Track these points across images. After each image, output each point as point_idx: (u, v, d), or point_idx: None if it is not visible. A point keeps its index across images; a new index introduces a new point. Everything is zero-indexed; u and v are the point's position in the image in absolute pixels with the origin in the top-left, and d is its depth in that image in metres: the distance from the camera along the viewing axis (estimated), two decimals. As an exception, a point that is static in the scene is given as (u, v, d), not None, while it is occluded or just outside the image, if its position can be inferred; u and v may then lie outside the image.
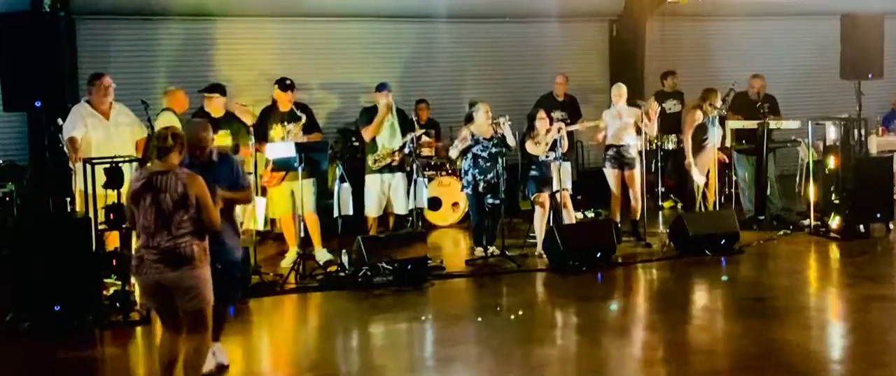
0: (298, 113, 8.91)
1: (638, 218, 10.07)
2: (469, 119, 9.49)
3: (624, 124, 9.97)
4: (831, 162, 10.19)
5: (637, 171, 9.97)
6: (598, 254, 8.84)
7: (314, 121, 9.23)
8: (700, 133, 10.28)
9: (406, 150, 9.39)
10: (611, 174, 10.04)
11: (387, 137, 9.40)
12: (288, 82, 9.01)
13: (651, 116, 9.85)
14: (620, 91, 10.14)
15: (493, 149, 9.23)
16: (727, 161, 10.87)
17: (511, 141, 9.19)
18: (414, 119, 9.89)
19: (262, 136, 8.83)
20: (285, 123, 8.92)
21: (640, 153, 9.97)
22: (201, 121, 6.32)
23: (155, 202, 5.10)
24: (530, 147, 9.36)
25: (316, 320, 7.76)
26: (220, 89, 9.17)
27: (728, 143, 10.78)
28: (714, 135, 10.23)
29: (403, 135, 9.39)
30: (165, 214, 5.09)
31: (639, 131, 9.92)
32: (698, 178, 10.31)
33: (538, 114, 9.49)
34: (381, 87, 9.62)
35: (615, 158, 10.00)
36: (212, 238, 5.43)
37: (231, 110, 9.19)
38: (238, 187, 5.92)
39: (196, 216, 5.13)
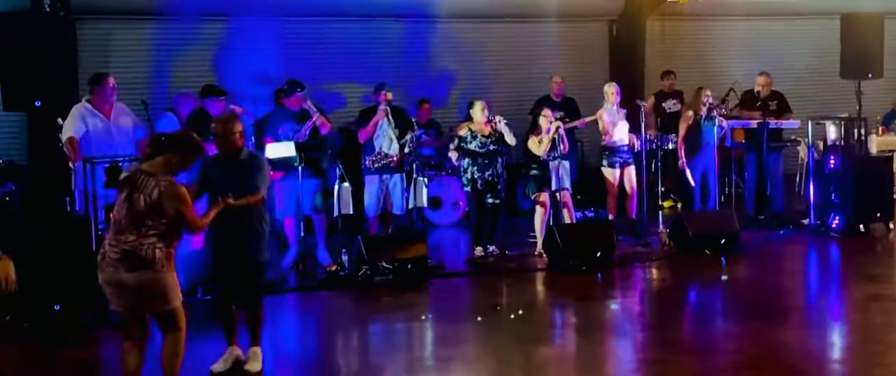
0: (310, 112, 8.89)
1: (634, 216, 10.08)
2: (469, 118, 9.50)
3: (620, 123, 9.98)
4: (831, 162, 10.19)
5: (634, 169, 9.97)
6: (598, 254, 8.84)
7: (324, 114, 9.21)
8: (695, 133, 10.26)
9: (406, 150, 9.40)
10: (608, 173, 10.05)
11: (384, 142, 9.41)
12: (292, 84, 8.98)
13: (646, 118, 9.90)
14: (614, 89, 10.13)
15: (492, 147, 9.23)
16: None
17: (510, 139, 9.17)
18: (413, 119, 9.86)
19: (272, 136, 8.81)
20: (295, 123, 8.88)
21: (638, 152, 9.98)
22: (227, 114, 6.26)
23: (129, 199, 5.03)
24: (532, 145, 9.36)
25: (316, 320, 7.76)
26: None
27: (728, 143, 10.79)
28: (709, 135, 10.21)
29: (401, 136, 9.40)
30: (136, 215, 5.00)
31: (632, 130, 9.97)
32: (691, 180, 10.28)
33: (542, 112, 9.50)
34: (380, 88, 9.62)
35: (612, 157, 10.00)
36: (238, 237, 5.62)
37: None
38: (251, 190, 5.80)
39: (169, 224, 5.05)
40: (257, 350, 6.01)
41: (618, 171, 10.00)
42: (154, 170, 5.09)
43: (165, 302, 5.10)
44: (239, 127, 5.89)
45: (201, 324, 6.31)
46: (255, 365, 5.94)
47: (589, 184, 11.44)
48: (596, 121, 10.27)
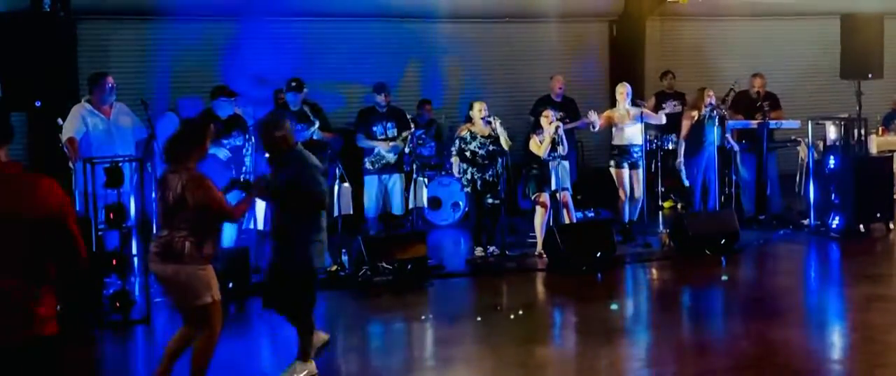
0: (311, 116, 8.91)
1: (634, 218, 10.05)
2: (469, 119, 9.50)
3: (634, 123, 9.90)
4: (831, 162, 10.19)
5: (641, 172, 9.94)
6: (598, 254, 8.84)
7: (325, 122, 9.24)
8: (698, 133, 10.25)
9: (406, 150, 9.41)
10: (619, 174, 9.98)
11: (383, 148, 9.45)
12: (293, 84, 9.01)
13: (648, 111, 9.89)
14: (626, 90, 10.06)
15: (491, 147, 9.23)
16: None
17: (504, 141, 9.13)
18: (409, 118, 9.86)
19: None
20: (295, 123, 8.89)
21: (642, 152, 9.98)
22: (271, 117, 6.30)
23: (162, 197, 5.28)
24: (533, 145, 9.35)
25: (316, 320, 7.73)
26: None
27: (728, 145, 10.78)
28: (711, 134, 10.20)
29: (399, 135, 9.43)
30: (167, 211, 5.24)
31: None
32: (685, 179, 10.26)
33: (543, 112, 9.48)
34: (379, 88, 9.63)
35: (625, 157, 9.94)
36: (282, 244, 5.69)
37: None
38: (291, 188, 5.66)
39: (196, 217, 5.17)
40: (295, 364, 5.86)
41: (627, 172, 9.96)
42: (176, 167, 5.29)
43: (195, 297, 5.22)
44: (278, 132, 5.76)
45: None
46: None
47: (589, 185, 11.44)
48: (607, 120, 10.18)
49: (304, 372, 5.86)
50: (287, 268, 5.74)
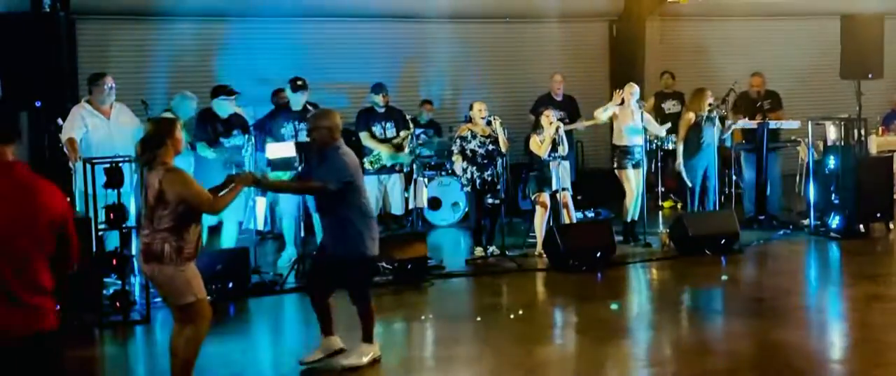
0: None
1: (635, 218, 10.04)
2: (470, 120, 9.49)
3: (637, 123, 9.86)
4: (831, 162, 10.19)
5: (642, 172, 9.92)
6: (598, 254, 8.83)
7: None
8: (696, 134, 10.23)
9: (407, 150, 9.40)
10: (626, 174, 9.90)
11: (384, 154, 9.46)
12: (299, 83, 8.98)
13: (649, 116, 9.87)
14: (634, 90, 10.00)
15: (491, 147, 9.22)
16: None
17: (502, 141, 9.11)
18: (409, 118, 9.85)
19: (271, 135, 8.82)
20: (297, 123, 8.87)
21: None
22: (320, 109, 6.40)
23: (145, 197, 5.29)
24: (534, 145, 9.34)
25: (316, 320, 7.74)
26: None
27: (728, 143, 10.78)
28: (710, 135, 10.19)
29: (397, 135, 9.45)
30: (148, 210, 5.23)
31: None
32: (688, 181, 10.25)
33: (544, 112, 9.45)
34: (378, 88, 9.62)
35: (629, 158, 9.89)
36: (339, 231, 5.81)
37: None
38: (316, 181, 5.86)
39: (177, 213, 5.14)
40: (363, 346, 6.07)
41: (632, 172, 9.89)
42: (153, 166, 5.25)
43: (176, 297, 5.24)
44: (325, 122, 5.93)
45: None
46: (350, 359, 6.03)
47: (589, 185, 11.43)
48: (610, 119, 10.12)
49: (370, 355, 6.05)
50: (343, 256, 5.94)
